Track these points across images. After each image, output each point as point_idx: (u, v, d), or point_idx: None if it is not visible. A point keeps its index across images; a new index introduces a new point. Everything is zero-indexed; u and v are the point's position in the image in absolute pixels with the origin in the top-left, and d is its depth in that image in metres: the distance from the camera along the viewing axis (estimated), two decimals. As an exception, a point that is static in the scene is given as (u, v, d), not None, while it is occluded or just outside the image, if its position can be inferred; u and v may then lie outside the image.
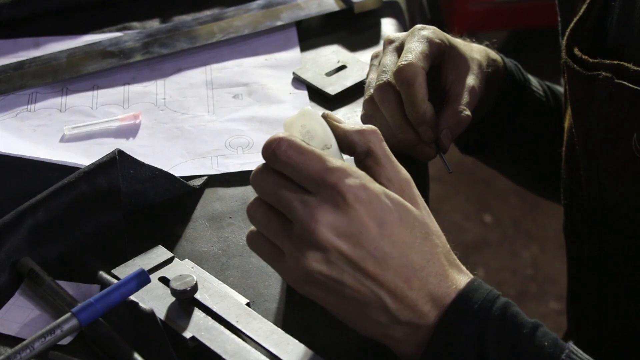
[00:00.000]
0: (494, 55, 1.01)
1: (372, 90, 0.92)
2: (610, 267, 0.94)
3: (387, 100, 0.91)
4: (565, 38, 0.91)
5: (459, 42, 0.97)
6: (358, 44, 1.16)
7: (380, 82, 0.91)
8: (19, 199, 0.88)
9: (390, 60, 0.92)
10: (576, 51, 0.89)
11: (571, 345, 0.70)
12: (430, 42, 0.92)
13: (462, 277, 0.72)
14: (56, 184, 0.88)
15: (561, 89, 1.13)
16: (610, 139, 0.88)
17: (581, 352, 0.70)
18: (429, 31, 0.93)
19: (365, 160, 0.72)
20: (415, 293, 0.69)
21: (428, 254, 0.70)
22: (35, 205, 0.87)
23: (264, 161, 0.70)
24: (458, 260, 0.73)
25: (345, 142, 0.72)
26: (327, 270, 0.68)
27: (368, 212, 0.68)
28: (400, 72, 0.89)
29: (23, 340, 0.76)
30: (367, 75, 0.96)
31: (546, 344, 0.69)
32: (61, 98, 1.09)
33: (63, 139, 1.03)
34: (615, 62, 0.85)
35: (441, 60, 0.94)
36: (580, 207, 0.96)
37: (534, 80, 1.08)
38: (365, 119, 0.95)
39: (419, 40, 0.92)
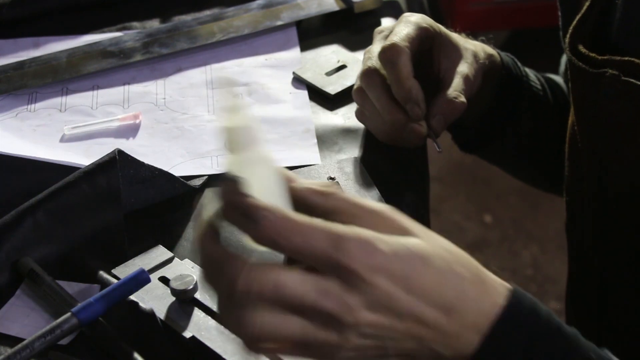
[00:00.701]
0: (489, 50, 1.01)
1: (363, 69, 0.94)
2: (612, 265, 0.94)
3: (372, 84, 0.92)
4: (568, 35, 0.91)
5: (453, 34, 0.97)
6: (358, 43, 1.15)
7: (365, 67, 0.93)
8: (19, 199, 0.88)
9: (376, 48, 0.94)
10: (581, 48, 0.88)
11: (607, 353, 0.68)
12: (417, 26, 0.93)
13: (497, 290, 0.67)
14: (56, 184, 0.88)
15: (559, 78, 1.13)
16: (617, 136, 0.87)
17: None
18: (417, 17, 0.95)
19: (334, 220, 0.63)
20: (458, 327, 0.64)
21: (459, 285, 0.66)
22: (35, 205, 0.87)
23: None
24: (480, 267, 0.69)
25: (304, 205, 0.64)
26: (369, 342, 0.63)
27: (390, 280, 0.62)
28: (384, 53, 0.91)
29: (23, 340, 0.76)
30: None
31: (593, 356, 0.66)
32: (61, 98, 1.09)
33: (63, 139, 1.03)
34: (626, 58, 0.84)
35: (432, 48, 0.95)
36: (582, 204, 0.96)
37: (531, 74, 1.08)
38: (358, 114, 0.97)
39: (405, 24, 0.94)
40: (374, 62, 0.93)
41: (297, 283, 0.59)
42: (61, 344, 0.78)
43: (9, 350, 0.75)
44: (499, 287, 0.67)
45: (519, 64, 1.06)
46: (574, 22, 0.91)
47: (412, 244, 0.64)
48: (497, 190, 2.44)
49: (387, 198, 0.87)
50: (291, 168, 0.93)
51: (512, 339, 0.65)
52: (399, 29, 0.93)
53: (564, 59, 1.13)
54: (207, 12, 1.21)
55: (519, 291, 0.67)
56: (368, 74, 0.93)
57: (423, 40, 0.93)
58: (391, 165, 0.98)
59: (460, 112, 0.92)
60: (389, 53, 0.91)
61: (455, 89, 0.92)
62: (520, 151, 1.11)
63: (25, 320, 0.81)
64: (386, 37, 0.95)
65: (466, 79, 0.93)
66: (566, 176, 1.00)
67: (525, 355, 0.65)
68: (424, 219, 0.95)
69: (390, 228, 0.64)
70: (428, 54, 0.95)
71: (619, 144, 0.87)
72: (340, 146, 1.00)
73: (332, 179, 0.89)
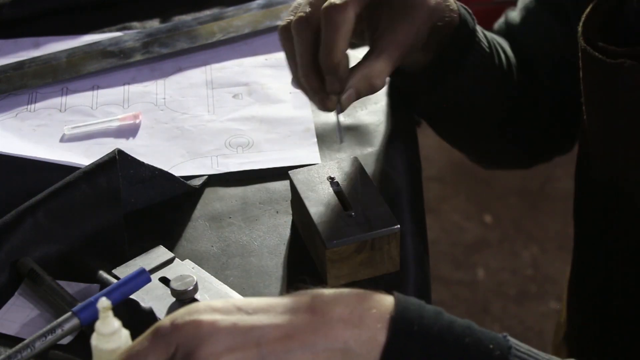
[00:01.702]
0: (453, 5, 0.93)
1: (292, 17, 0.85)
2: (619, 256, 0.93)
3: (302, 38, 0.84)
4: (580, 24, 0.88)
5: None
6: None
7: (302, 14, 0.84)
8: (19, 199, 0.88)
9: None
10: (600, 44, 0.86)
11: (510, 339, 0.66)
12: None
13: (380, 297, 0.66)
14: (56, 184, 0.89)
15: (502, 40, 1.08)
16: (635, 128, 0.85)
17: (520, 343, 0.67)
18: None
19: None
20: (339, 318, 0.64)
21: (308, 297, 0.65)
22: (35, 205, 0.87)
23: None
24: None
25: None
26: None
27: (223, 314, 0.63)
28: (328, 11, 0.82)
29: (23, 340, 0.76)
30: None
31: (491, 346, 0.65)
32: (61, 98, 1.09)
33: (63, 139, 1.03)
34: None
35: (378, 3, 0.87)
36: (591, 192, 0.95)
37: (481, 33, 1.00)
38: (281, 34, 0.88)
39: None
40: (309, 9, 0.84)
41: None
42: (61, 343, 0.78)
43: (9, 350, 0.75)
44: (380, 296, 0.66)
45: (474, 18, 0.98)
46: (587, 11, 0.88)
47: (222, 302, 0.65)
48: (497, 190, 2.44)
49: (386, 197, 0.87)
50: (291, 167, 0.93)
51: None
52: None
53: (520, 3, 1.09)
54: (207, 12, 1.21)
55: (402, 297, 0.66)
56: (302, 23, 0.83)
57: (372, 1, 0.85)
58: (390, 165, 0.98)
59: (376, 91, 0.86)
60: (334, 13, 0.81)
61: (379, 66, 0.85)
62: (453, 110, 1.03)
63: (25, 320, 0.81)
64: None
65: (401, 45, 0.86)
66: (576, 161, 0.99)
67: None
68: (420, 216, 0.95)
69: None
70: (372, 6, 0.87)
71: (635, 136, 0.86)
72: (340, 146, 1.00)
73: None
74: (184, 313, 0.64)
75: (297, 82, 0.87)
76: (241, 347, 0.62)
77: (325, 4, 0.82)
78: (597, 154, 0.92)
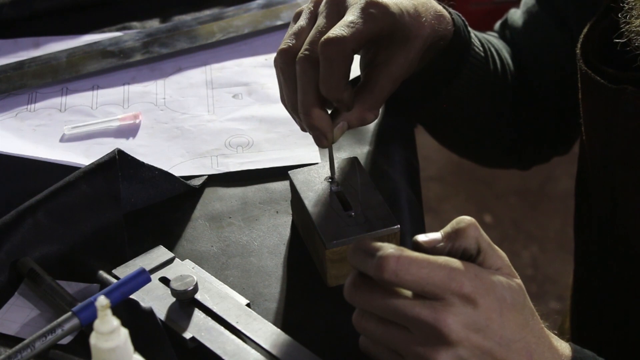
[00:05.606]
0: (447, 19, 0.91)
1: (291, 43, 0.83)
2: (620, 269, 0.93)
3: (309, 74, 0.81)
4: (579, 46, 0.87)
5: (411, 19, 0.84)
6: (358, 43, 1.15)
7: (307, 52, 0.81)
8: (19, 199, 0.88)
9: (329, 23, 0.82)
10: (600, 67, 0.85)
11: None
12: (374, 20, 0.81)
13: (562, 345, 0.74)
14: (56, 184, 0.89)
15: (498, 42, 1.08)
16: (634, 153, 0.85)
17: None
18: (378, 9, 0.82)
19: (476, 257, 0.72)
20: None
21: (538, 331, 0.71)
22: (35, 205, 0.87)
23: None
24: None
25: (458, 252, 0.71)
26: None
27: (490, 305, 0.68)
28: (327, 47, 0.79)
29: (23, 340, 0.76)
30: (295, 21, 0.85)
31: None
32: (61, 98, 1.09)
33: (63, 139, 1.03)
34: None
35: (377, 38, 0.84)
36: (590, 210, 0.95)
37: (476, 41, 0.99)
38: (279, 79, 0.86)
39: (363, 14, 0.81)
40: (311, 48, 0.80)
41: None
42: (61, 343, 0.78)
43: (9, 350, 0.75)
44: (559, 340, 0.74)
45: (468, 28, 0.97)
46: (584, 31, 0.87)
47: (511, 283, 0.72)
48: (497, 190, 2.44)
49: (385, 197, 0.87)
50: (291, 167, 0.93)
51: None
52: (355, 18, 0.80)
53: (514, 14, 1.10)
54: (207, 12, 1.21)
55: (579, 349, 0.74)
56: (306, 62, 0.80)
57: (373, 36, 0.82)
58: (389, 164, 0.98)
59: (367, 124, 0.85)
60: (331, 50, 0.78)
61: (373, 99, 0.83)
62: (448, 116, 1.03)
63: (25, 320, 0.81)
64: (336, 13, 0.83)
65: (395, 80, 0.84)
66: (576, 176, 0.99)
67: None
68: (419, 215, 0.95)
69: (504, 273, 0.73)
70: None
71: (636, 160, 0.85)
72: (340, 145, 1.00)
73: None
74: None
75: (291, 111, 0.86)
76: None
77: (323, 38, 0.79)
78: (596, 172, 0.91)
